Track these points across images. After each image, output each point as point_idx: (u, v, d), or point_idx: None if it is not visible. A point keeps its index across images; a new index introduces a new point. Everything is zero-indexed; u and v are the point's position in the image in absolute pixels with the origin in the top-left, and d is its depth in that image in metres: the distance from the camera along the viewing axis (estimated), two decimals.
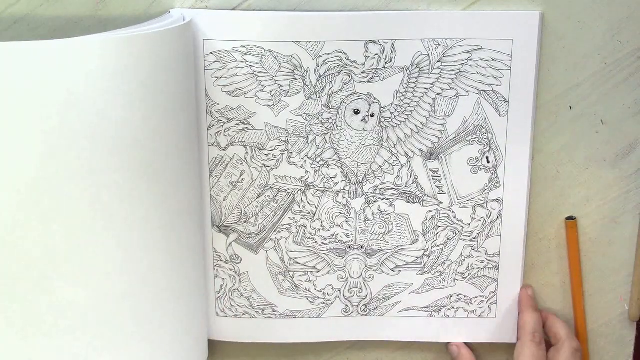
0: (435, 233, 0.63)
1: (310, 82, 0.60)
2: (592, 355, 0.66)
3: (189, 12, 0.58)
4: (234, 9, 0.59)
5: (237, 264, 0.64)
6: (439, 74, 0.59)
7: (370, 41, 0.59)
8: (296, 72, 0.60)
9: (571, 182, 0.62)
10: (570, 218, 0.63)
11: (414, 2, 0.58)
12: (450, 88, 0.60)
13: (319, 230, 0.63)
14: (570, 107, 0.60)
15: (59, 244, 0.52)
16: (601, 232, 0.63)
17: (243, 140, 0.61)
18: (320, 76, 0.60)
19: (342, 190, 0.63)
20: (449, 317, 0.65)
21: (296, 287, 0.65)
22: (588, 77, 0.59)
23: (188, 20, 0.57)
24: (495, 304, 0.64)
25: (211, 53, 0.59)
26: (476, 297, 0.64)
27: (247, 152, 0.61)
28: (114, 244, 0.53)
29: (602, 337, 0.65)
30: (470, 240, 0.63)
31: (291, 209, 0.63)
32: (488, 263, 0.63)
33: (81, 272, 0.53)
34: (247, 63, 0.59)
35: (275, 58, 0.59)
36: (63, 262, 0.52)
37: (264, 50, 0.59)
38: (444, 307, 0.65)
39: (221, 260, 0.64)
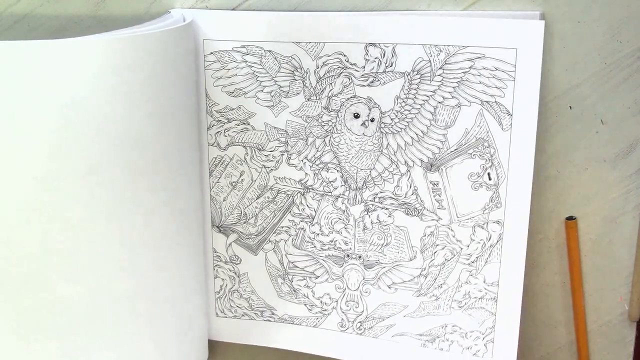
0: (434, 252, 0.61)
1: (310, 83, 0.60)
2: (592, 355, 0.65)
3: (189, 12, 0.58)
4: (234, 9, 0.59)
5: (236, 264, 0.64)
6: (440, 81, 0.58)
7: (371, 44, 0.58)
8: (296, 72, 0.59)
9: (571, 182, 0.62)
10: (570, 218, 0.62)
11: (414, 2, 0.58)
12: (452, 97, 0.58)
13: (318, 234, 0.63)
14: (570, 107, 0.60)
15: (59, 243, 0.51)
16: (601, 232, 0.63)
17: (243, 141, 0.61)
18: (320, 77, 0.59)
19: (342, 196, 0.62)
20: (442, 349, 0.63)
21: (295, 291, 0.64)
22: (588, 77, 0.59)
23: (188, 21, 0.57)
24: (492, 342, 0.62)
25: (211, 53, 0.59)
26: (472, 332, 0.62)
27: (247, 153, 0.61)
28: (113, 244, 0.53)
29: (602, 337, 0.65)
30: (468, 264, 0.61)
31: (290, 211, 0.63)
32: (486, 293, 0.61)
33: (81, 272, 0.53)
34: (247, 63, 0.59)
35: (275, 58, 0.59)
36: (63, 261, 0.52)
37: (264, 50, 0.59)
38: (438, 337, 0.63)
39: (221, 261, 0.64)
